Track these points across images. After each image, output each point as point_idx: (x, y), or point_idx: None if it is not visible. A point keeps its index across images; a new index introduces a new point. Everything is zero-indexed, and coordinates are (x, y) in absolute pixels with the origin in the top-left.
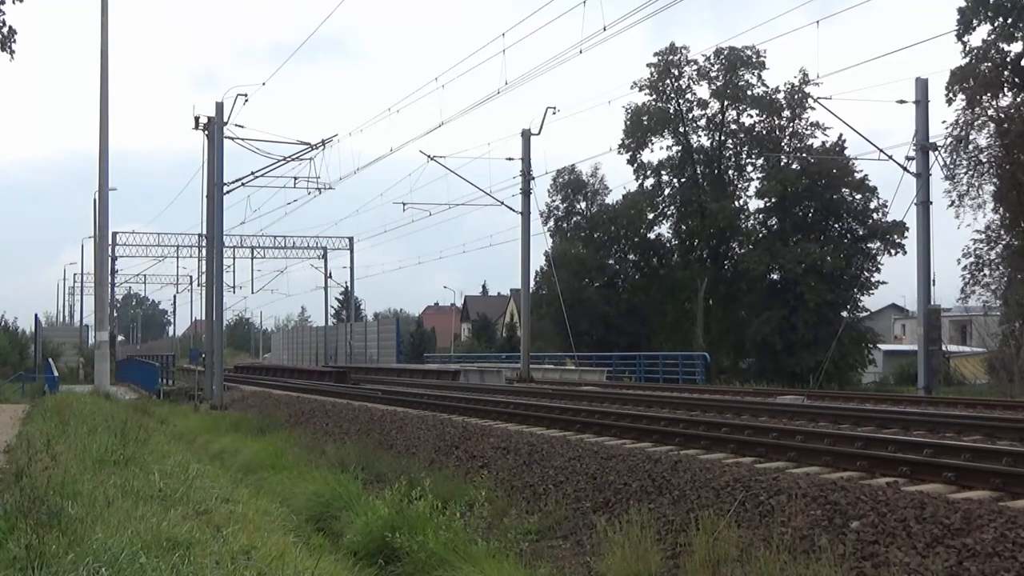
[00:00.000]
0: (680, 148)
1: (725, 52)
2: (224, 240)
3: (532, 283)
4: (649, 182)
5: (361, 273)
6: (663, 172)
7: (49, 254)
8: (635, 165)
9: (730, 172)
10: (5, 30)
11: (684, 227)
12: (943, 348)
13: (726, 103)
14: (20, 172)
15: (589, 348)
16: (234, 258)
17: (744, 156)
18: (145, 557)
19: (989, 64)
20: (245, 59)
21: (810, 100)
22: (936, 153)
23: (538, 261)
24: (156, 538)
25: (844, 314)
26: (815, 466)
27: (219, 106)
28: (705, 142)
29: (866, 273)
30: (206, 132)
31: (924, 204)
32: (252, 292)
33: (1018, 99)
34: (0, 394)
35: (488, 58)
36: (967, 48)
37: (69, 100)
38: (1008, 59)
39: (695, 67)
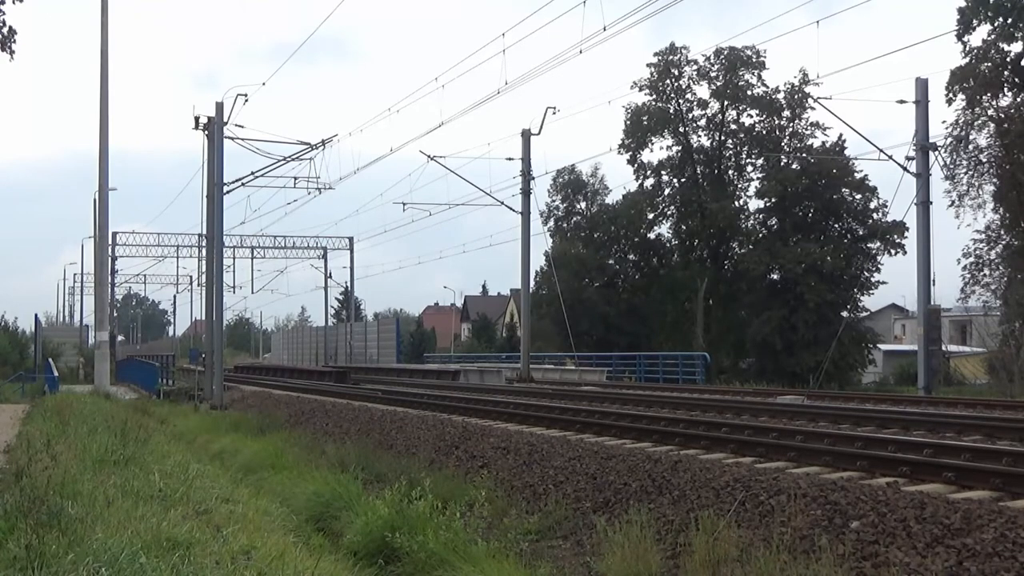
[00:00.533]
0: (680, 148)
1: (725, 52)
2: (224, 240)
3: (532, 283)
4: (649, 182)
5: (361, 273)
6: (663, 172)
7: (49, 254)
8: (635, 165)
9: (730, 172)
10: (5, 30)
11: (684, 227)
12: (943, 348)
13: (726, 103)
14: (20, 172)
15: (589, 348)
16: (234, 258)
17: (744, 156)
18: (145, 557)
19: (989, 64)
20: (245, 59)
21: (810, 100)
22: (936, 153)
23: (538, 261)
24: (156, 538)
25: (844, 314)
26: (815, 466)
27: (219, 106)
28: (705, 142)
29: (866, 273)
30: (206, 132)
31: (924, 204)
32: (252, 292)
33: (1018, 99)
34: (0, 394)
35: (488, 58)
36: (967, 48)
37: (69, 100)
38: (1008, 59)
39: (695, 67)
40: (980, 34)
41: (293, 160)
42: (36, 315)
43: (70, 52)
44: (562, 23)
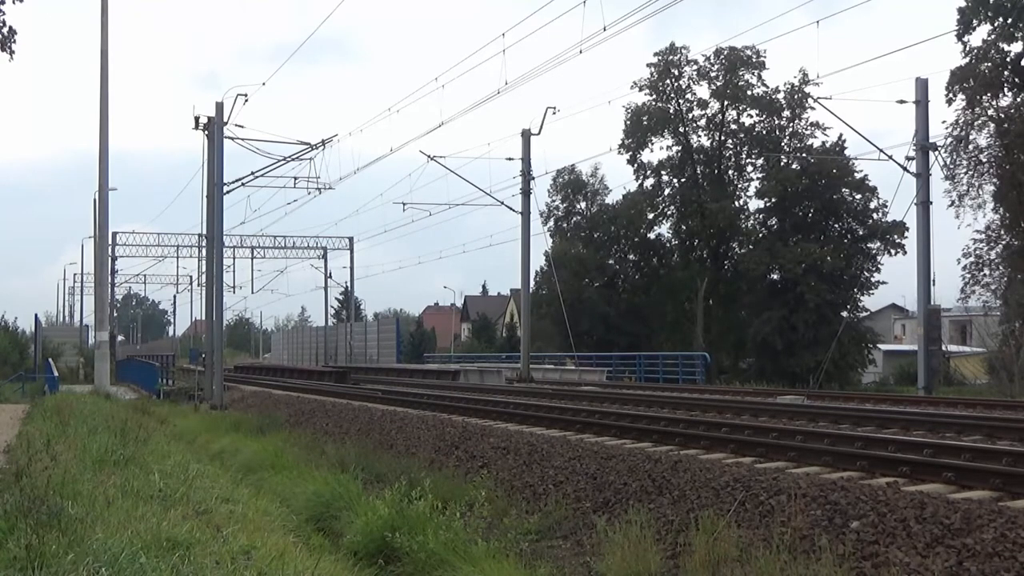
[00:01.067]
0: (680, 148)
1: (725, 52)
2: (224, 240)
3: (532, 283)
4: (649, 182)
5: (361, 273)
6: (663, 172)
7: (49, 254)
8: (635, 165)
9: (730, 172)
10: (5, 30)
11: (684, 227)
12: (943, 348)
13: (726, 103)
14: (20, 172)
15: (589, 348)
16: (234, 258)
17: (744, 156)
18: (145, 557)
19: (989, 64)
20: (245, 59)
21: (810, 100)
22: (936, 153)
23: (538, 261)
24: (156, 538)
25: (844, 314)
26: (815, 466)
27: (219, 106)
28: (705, 142)
29: (866, 273)
30: (206, 132)
31: (924, 204)
32: (252, 292)
33: (1018, 99)
34: (0, 394)
35: (488, 58)
36: (967, 48)
37: (69, 100)
38: (1008, 59)
39: (695, 67)
40: (980, 34)
41: (293, 160)
42: (36, 315)
43: (70, 52)
44: (562, 23)
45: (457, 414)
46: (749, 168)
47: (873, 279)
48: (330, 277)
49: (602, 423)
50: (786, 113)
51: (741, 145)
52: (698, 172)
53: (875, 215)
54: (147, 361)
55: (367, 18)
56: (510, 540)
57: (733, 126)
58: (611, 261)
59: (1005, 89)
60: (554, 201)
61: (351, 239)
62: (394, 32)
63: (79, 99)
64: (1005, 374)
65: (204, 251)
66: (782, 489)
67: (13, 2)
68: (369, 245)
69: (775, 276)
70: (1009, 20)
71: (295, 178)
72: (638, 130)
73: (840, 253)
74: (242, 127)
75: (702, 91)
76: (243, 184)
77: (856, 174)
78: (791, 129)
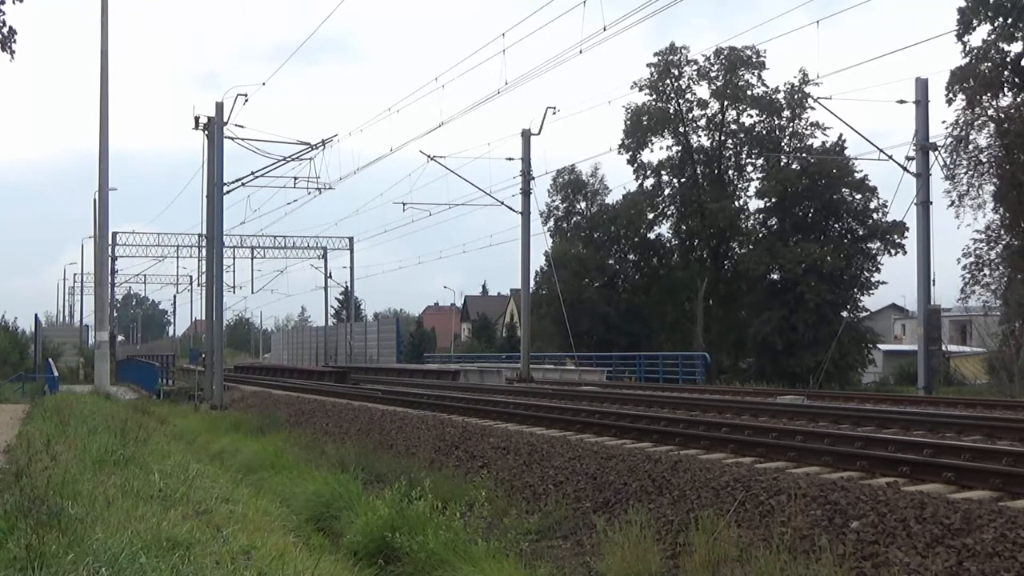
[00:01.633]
0: (680, 148)
1: (725, 52)
2: (224, 240)
3: (532, 283)
4: (649, 182)
5: (361, 273)
6: (663, 172)
7: (49, 254)
8: (635, 165)
9: (730, 172)
10: (5, 30)
11: (684, 227)
12: (943, 348)
13: (726, 103)
14: (20, 172)
15: (589, 348)
16: (234, 258)
17: (744, 156)
18: (145, 557)
19: (989, 64)
20: (245, 59)
21: (810, 100)
22: (936, 153)
23: (538, 261)
24: (156, 538)
25: (844, 314)
26: (815, 466)
27: (219, 106)
28: (705, 142)
29: (866, 273)
30: (206, 132)
31: (924, 204)
32: (252, 292)
33: (1018, 99)
34: (0, 394)
35: (488, 58)
36: (967, 48)
37: (69, 100)
38: (1008, 59)
39: (695, 67)
40: (980, 34)
41: (293, 160)
42: (36, 315)
43: (70, 52)
44: (562, 23)
45: (457, 414)
46: (749, 168)
47: (873, 279)
48: (330, 277)
49: (602, 423)
50: (786, 113)
51: (741, 145)
52: (698, 172)
53: (875, 215)
54: (147, 361)
55: (367, 18)
56: (510, 540)
57: (733, 126)
58: (611, 261)
59: (1005, 89)
60: (554, 201)
61: (351, 239)
62: (394, 32)
63: (79, 99)
64: (1005, 374)
65: (204, 251)
66: (782, 489)
67: (13, 2)
68: (369, 245)
69: (775, 276)
70: (1009, 20)
71: (295, 178)
72: (638, 130)
73: (840, 253)
74: (242, 127)
75: (702, 91)
76: (243, 184)
77: (856, 174)
78: (791, 129)
